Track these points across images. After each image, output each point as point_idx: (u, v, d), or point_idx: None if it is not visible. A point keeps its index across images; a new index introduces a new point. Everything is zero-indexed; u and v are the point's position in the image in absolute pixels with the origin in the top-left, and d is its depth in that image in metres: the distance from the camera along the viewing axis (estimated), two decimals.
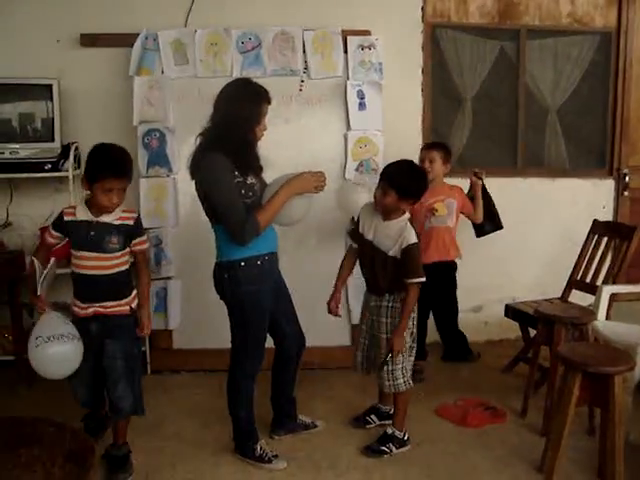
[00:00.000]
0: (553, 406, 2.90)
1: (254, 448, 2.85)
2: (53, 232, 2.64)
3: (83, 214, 2.60)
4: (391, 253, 2.84)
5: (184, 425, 3.23)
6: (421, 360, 3.77)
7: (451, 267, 3.93)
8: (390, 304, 2.92)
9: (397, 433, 2.98)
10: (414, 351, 2.99)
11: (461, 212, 3.85)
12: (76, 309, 2.68)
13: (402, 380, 2.92)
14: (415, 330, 2.96)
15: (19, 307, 3.67)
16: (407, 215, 2.89)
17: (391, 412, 3.12)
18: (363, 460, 2.90)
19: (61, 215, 2.64)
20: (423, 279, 2.83)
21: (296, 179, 2.66)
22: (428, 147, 3.84)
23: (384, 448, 2.94)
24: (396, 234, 2.83)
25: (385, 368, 2.91)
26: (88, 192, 2.59)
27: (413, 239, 2.80)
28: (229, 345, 2.83)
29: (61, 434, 1.97)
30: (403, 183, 2.78)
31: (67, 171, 3.66)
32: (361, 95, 3.89)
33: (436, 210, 3.74)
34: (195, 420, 3.26)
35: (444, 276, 3.87)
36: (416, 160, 3.45)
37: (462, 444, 3.00)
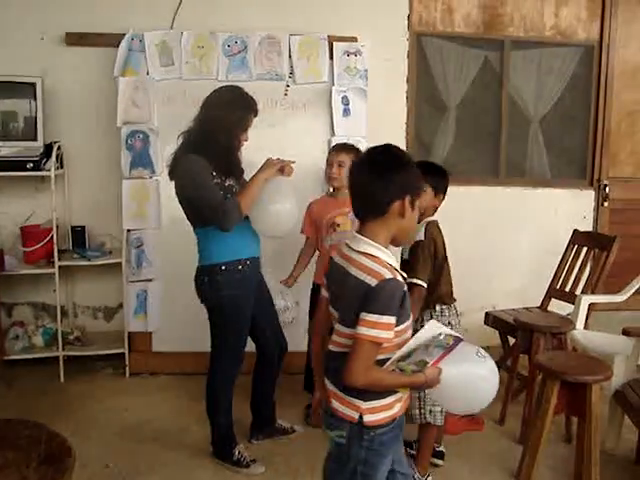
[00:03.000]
0: (531, 414, 2.92)
1: (232, 452, 2.85)
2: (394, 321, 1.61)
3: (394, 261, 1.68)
4: (405, 256, 2.65)
5: (162, 428, 3.21)
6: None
7: None
8: None
9: (417, 476, 2.64)
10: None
11: None
12: (401, 404, 1.77)
13: (417, 411, 2.64)
14: None
15: None
16: (435, 218, 2.69)
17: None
18: None
19: (398, 285, 1.62)
20: (420, 283, 2.52)
21: (263, 165, 2.72)
22: (338, 149, 3.25)
23: None
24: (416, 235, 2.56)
25: None
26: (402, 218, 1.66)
27: (421, 236, 2.58)
28: (209, 349, 2.82)
29: (37, 436, 1.94)
30: (434, 173, 2.63)
31: (49, 170, 3.62)
32: (346, 101, 3.90)
33: (338, 225, 3.15)
34: (174, 423, 3.24)
35: None
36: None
37: None
